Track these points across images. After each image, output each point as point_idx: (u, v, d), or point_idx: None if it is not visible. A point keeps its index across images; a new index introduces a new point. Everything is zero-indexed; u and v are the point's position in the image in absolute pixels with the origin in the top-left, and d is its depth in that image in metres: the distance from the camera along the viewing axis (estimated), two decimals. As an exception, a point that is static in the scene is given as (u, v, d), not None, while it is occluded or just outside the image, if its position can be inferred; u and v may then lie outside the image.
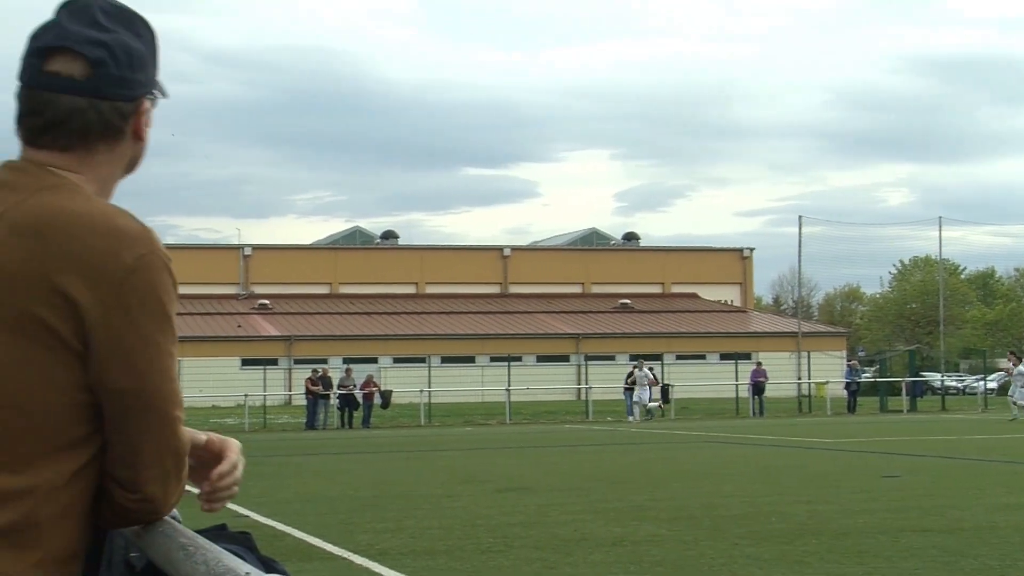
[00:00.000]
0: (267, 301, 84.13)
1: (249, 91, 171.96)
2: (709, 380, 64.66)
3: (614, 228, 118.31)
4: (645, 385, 47.57)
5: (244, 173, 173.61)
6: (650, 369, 49.91)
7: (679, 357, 77.78)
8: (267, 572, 2.02)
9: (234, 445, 2.54)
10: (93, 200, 2.34)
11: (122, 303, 2.25)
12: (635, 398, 47.30)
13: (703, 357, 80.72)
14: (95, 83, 2.37)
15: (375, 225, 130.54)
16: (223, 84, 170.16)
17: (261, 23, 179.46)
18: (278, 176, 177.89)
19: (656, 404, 48.49)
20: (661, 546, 12.06)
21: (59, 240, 2.26)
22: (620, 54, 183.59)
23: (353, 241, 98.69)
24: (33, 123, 2.39)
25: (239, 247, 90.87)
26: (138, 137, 2.48)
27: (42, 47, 2.39)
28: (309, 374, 47.87)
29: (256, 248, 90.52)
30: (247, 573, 1.94)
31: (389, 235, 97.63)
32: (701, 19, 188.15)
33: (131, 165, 2.53)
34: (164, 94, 2.56)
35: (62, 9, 2.42)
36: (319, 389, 46.27)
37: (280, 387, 68.66)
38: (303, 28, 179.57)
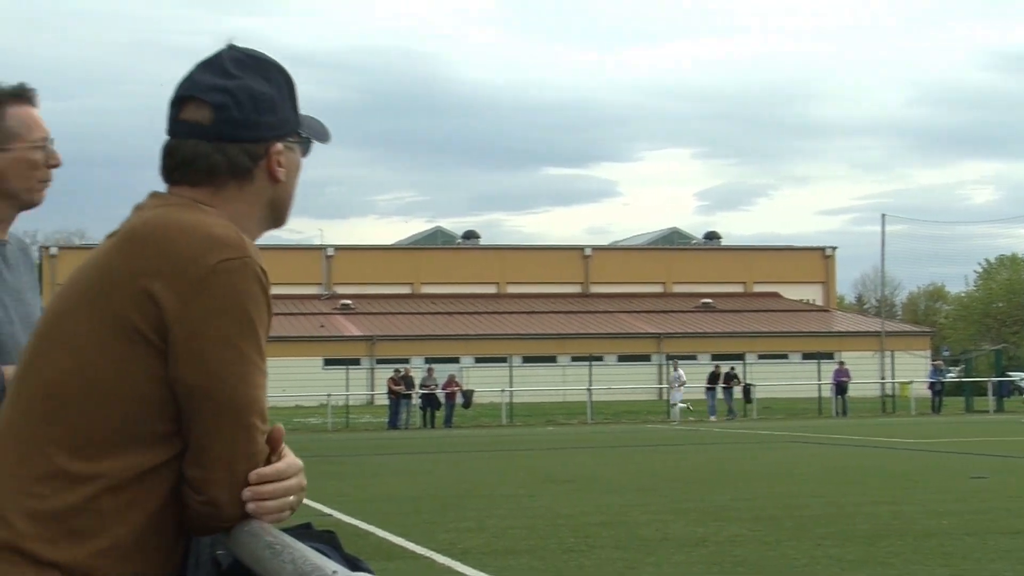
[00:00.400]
0: (349, 301, 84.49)
1: (331, 92, 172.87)
2: (791, 380, 64.15)
3: (695, 227, 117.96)
4: (676, 387, 47.53)
5: (326, 174, 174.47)
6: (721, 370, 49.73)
7: (761, 357, 77.32)
8: (353, 571, 2.04)
9: (292, 459, 2.45)
10: (203, 214, 2.43)
11: (200, 301, 2.31)
12: (670, 399, 47.40)
13: (785, 357, 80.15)
14: (218, 127, 2.49)
15: (456, 225, 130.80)
16: (305, 86, 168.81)
17: (342, 24, 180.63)
18: (360, 176, 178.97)
19: (685, 406, 48.22)
20: (743, 546, 12.01)
21: (154, 244, 2.36)
22: (701, 52, 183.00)
23: (434, 241, 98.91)
24: (167, 164, 2.54)
25: (322, 247, 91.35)
26: (274, 179, 2.56)
27: (176, 98, 2.54)
28: (391, 374, 48.03)
29: (339, 248, 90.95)
30: (334, 572, 1.95)
31: (470, 235, 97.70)
32: (783, 16, 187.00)
33: (274, 209, 2.61)
34: (321, 139, 2.67)
35: (198, 63, 2.56)
36: (401, 389, 46.44)
37: (363, 387, 68.91)
38: (384, 29, 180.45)
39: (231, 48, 2.57)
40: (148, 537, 2.37)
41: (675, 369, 48.73)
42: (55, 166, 3.80)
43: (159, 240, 2.36)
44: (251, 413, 2.35)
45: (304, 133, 2.63)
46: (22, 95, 3.76)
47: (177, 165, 2.51)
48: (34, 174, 3.76)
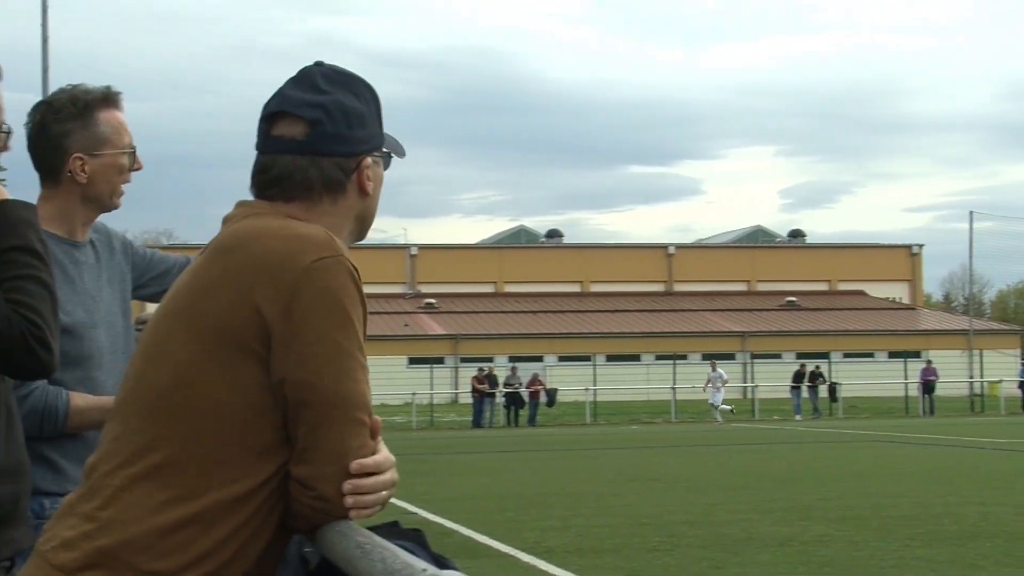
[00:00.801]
0: (433, 300, 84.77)
1: (415, 91, 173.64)
2: (877, 379, 63.57)
3: (779, 225, 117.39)
4: (719, 387, 47.14)
5: (410, 173, 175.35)
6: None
7: (846, 355, 76.67)
8: (441, 569, 2.04)
9: (387, 454, 2.44)
10: (291, 220, 2.46)
11: (298, 301, 2.34)
12: (710, 400, 47.05)
13: (871, 355, 79.39)
14: (313, 141, 2.52)
15: (540, 224, 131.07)
16: (390, 85, 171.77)
17: (428, 24, 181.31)
18: (444, 175, 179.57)
19: (728, 408, 47.77)
20: (830, 546, 11.94)
21: (248, 252, 2.39)
22: (784, 49, 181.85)
23: (518, 240, 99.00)
24: (261, 179, 2.55)
25: (406, 247, 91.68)
26: (363, 192, 2.59)
27: (267, 114, 2.56)
28: (475, 373, 48.16)
29: (422, 247, 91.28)
30: (424, 570, 1.96)
31: (554, 234, 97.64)
32: (868, 12, 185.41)
33: (360, 222, 2.64)
34: (399, 153, 2.71)
35: (288, 80, 2.59)
36: (485, 388, 46.54)
37: (447, 386, 69.06)
38: (469, 29, 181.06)
39: (319, 65, 2.61)
40: (252, 548, 2.39)
41: (714, 369, 48.37)
42: (138, 170, 3.87)
43: (252, 247, 2.39)
44: (355, 407, 2.37)
45: (386, 148, 2.67)
46: (110, 100, 3.81)
47: (272, 180, 2.53)
48: (120, 179, 3.83)
